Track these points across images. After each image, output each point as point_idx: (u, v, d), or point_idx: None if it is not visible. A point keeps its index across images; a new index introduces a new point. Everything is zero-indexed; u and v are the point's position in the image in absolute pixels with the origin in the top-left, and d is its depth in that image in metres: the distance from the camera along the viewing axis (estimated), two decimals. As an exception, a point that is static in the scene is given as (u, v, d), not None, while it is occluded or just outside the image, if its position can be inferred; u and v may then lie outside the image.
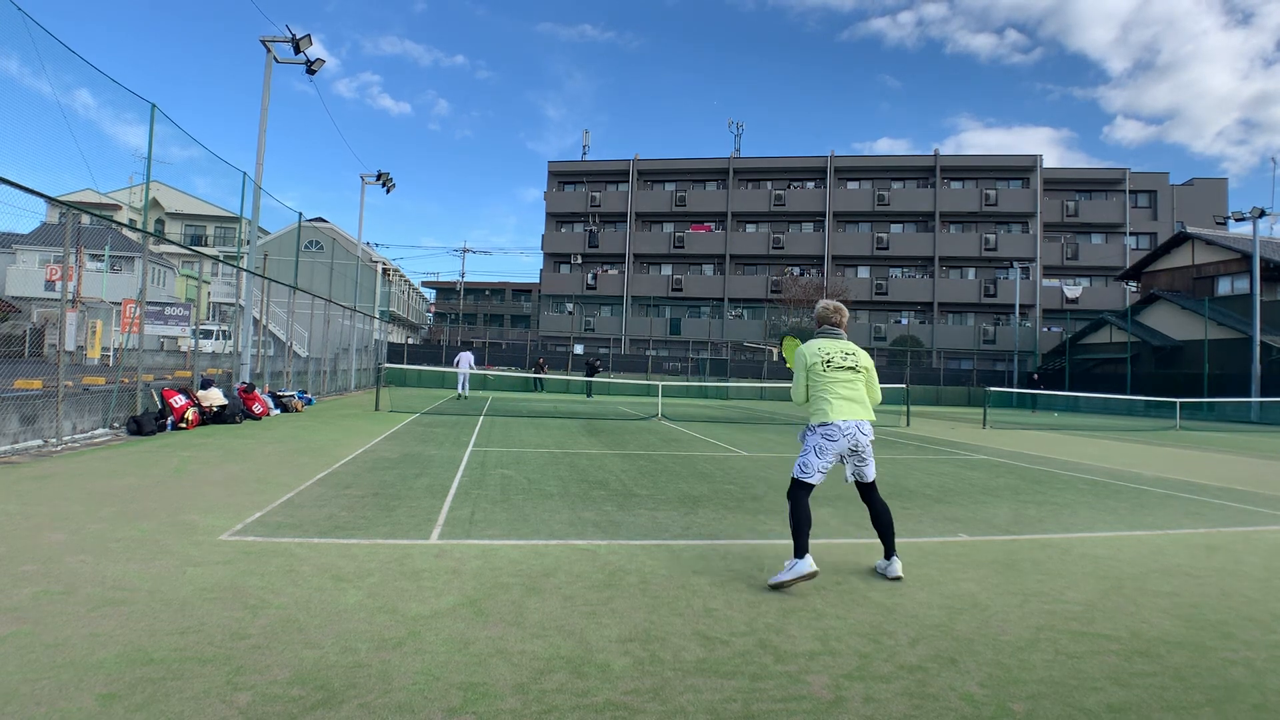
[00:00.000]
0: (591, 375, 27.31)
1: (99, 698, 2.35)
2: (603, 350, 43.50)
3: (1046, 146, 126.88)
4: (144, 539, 4.34)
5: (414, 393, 25.31)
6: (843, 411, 4.09)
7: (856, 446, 4.10)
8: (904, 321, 48.07)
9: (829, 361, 4.19)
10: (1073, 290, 46.21)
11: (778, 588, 3.87)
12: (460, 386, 24.08)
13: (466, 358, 24.08)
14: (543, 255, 52.03)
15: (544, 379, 30.44)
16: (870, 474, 4.21)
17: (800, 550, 3.93)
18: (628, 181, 51.27)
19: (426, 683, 2.57)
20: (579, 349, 42.87)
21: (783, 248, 48.45)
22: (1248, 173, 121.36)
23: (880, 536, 4.24)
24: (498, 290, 73.39)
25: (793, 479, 4.15)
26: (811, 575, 3.85)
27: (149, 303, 18.35)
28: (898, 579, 4.11)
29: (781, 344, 4.24)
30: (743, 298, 48.46)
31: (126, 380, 10.22)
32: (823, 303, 4.44)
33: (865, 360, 4.29)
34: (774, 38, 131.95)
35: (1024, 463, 10.57)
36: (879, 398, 4.31)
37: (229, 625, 3.03)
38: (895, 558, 4.20)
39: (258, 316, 15.41)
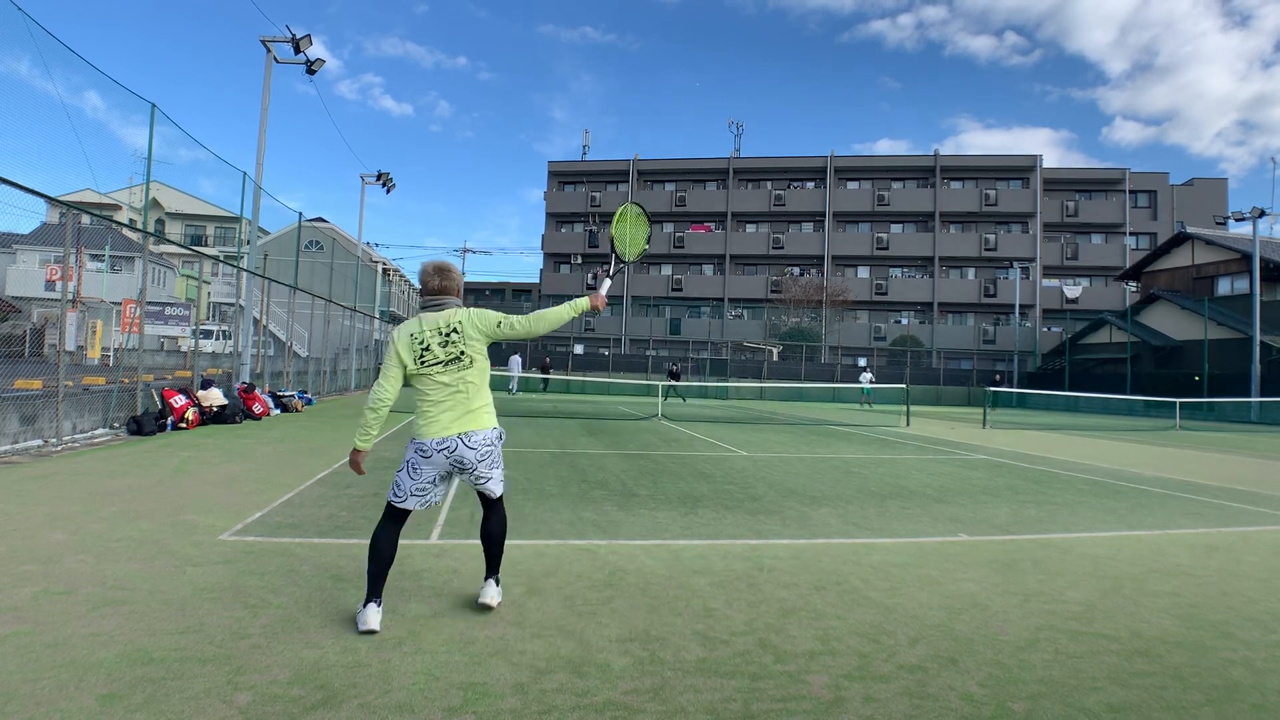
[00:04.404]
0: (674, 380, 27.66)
1: (99, 698, 2.35)
2: (603, 351, 43.53)
3: (1046, 147, 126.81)
4: (144, 539, 4.34)
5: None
6: (439, 425, 3.11)
7: (463, 464, 3.13)
8: (904, 321, 48.07)
9: (423, 352, 3.13)
10: (1072, 290, 46.22)
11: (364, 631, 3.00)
12: (511, 386, 27.57)
13: (517, 361, 28.40)
14: (543, 255, 52.12)
15: (549, 379, 31.36)
16: (495, 489, 3.28)
17: (370, 593, 3.04)
18: (628, 181, 51.32)
19: (426, 683, 2.57)
20: (579, 349, 43.02)
21: (783, 248, 48.47)
22: (1247, 173, 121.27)
23: (485, 550, 3.40)
24: (498, 290, 73.34)
25: (387, 501, 3.24)
26: (367, 633, 2.94)
27: (149, 303, 18.35)
28: (485, 608, 3.27)
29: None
30: (743, 298, 48.47)
31: (126, 380, 10.22)
32: (424, 264, 3.30)
33: (476, 326, 3.16)
34: (774, 39, 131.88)
35: (1024, 463, 10.56)
36: (536, 329, 3.24)
37: (229, 625, 3.03)
38: (493, 581, 3.36)
39: (258, 316, 15.41)
